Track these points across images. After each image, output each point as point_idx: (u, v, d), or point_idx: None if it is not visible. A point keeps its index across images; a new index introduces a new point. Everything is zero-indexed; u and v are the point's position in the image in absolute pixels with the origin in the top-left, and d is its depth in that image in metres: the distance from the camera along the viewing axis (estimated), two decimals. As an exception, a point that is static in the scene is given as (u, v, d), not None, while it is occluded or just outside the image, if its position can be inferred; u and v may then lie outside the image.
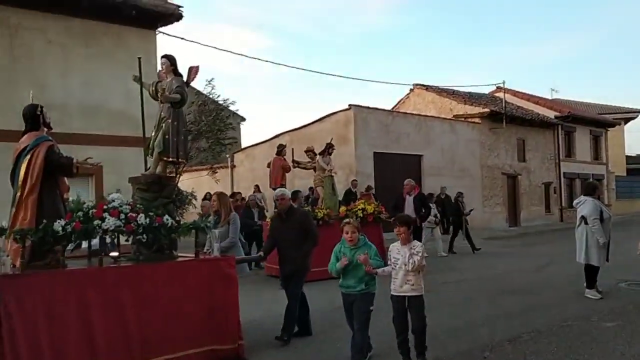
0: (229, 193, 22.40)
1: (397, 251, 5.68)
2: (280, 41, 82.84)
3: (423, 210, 13.38)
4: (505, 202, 26.79)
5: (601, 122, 34.97)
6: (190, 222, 6.32)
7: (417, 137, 22.47)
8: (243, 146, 28.16)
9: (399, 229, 5.61)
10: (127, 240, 6.00)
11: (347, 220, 6.01)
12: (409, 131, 22.17)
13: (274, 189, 12.71)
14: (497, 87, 30.82)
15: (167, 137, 6.35)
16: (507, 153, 27.25)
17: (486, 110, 26.00)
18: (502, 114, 26.18)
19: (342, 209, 12.55)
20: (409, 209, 12.72)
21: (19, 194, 5.43)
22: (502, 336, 6.83)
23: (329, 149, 13.06)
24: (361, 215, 12.13)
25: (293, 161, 13.48)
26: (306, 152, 13.36)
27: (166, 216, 5.85)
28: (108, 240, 6.27)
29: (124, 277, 5.53)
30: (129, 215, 5.49)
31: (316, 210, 11.96)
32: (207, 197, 11.59)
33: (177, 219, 6.29)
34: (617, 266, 12.12)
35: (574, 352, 6.10)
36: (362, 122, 20.27)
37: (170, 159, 6.44)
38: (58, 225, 5.17)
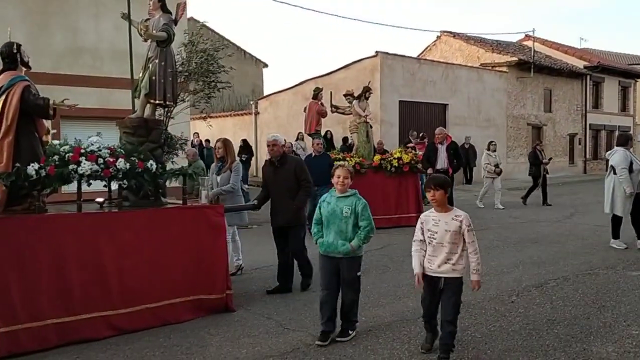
0: (252, 139, 22.79)
1: (434, 222, 4.54)
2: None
3: (456, 161, 12.55)
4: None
5: (631, 72, 34.13)
6: (177, 168, 6.10)
7: (443, 85, 22.24)
8: (266, 93, 28.13)
9: (433, 194, 4.50)
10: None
11: (340, 162, 5.50)
12: (435, 79, 21.93)
13: (310, 135, 12.60)
14: (526, 35, 30.15)
15: (153, 78, 6.04)
16: (534, 103, 26.89)
17: (514, 58, 25.52)
18: (530, 63, 25.69)
19: (377, 157, 12.00)
20: (441, 160, 12.21)
21: None
22: (529, 282, 7.01)
23: (365, 92, 12.45)
24: (396, 164, 11.72)
25: (332, 106, 12.84)
26: (345, 95, 12.61)
27: (150, 161, 5.63)
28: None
29: (101, 223, 5.30)
30: (107, 160, 5.27)
31: (347, 159, 11.36)
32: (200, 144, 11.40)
33: (164, 164, 6.10)
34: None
35: (600, 299, 6.26)
36: (388, 69, 20.09)
37: (157, 101, 6.15)
38: (32, 169, 4.95)
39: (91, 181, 5.29)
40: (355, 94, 12.47)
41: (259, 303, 6.36)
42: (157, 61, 6.05)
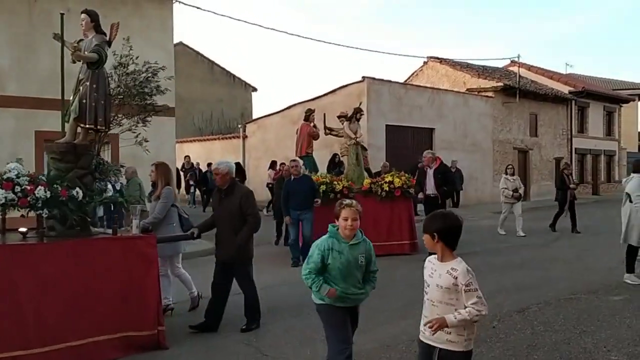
0: (240, 162, 22.77)
1: (431, 271, 3.61)
2: (295, 11, 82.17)
3: (445, 187, 11.56)
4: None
5: (615, 98, 34.64)
6: (106, 196, 5.85)
7: (430, 110, 22.43)
8: (255, 117, 28.24)
9: (428, 239, 3.57)
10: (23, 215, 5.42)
11: (347, 201, 4.29)
12: (421, 104, 22.12)
13: (301, 157, 12.11)
14: (512, 61, 30.55)
15: (84, 101, 5.73)
16: (519, 128, 27.15)
17: (500, 84, 25.83)
18: (515, 88, 26.00)
19: (367, 181, 11.54)
20: (430, 184, 11.32)
21: None
22: (511, 307, 7.02)
23: (356, 114, 12.07)
24: (387, 189, 11.23)
25: (325, 128, 12.48)
26: (339, 117, 12.17)
27: (76, 189, 5.37)
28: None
29: (16, 255, 4.96)
30: (25, 187, 5.00)
31: (335, 182, 11.13)
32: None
33: (93, 192, 5.81)
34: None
35: (581, 324, 6.27)
36: (375, 94, 20.25)
37: (87, 126, 5.79)
38: None
39: (18, 210, 5.08)
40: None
41: (238, 329, 6.28)
42: (87, 83, 5.77)
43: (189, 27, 65.24)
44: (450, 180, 11.81)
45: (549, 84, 31.00)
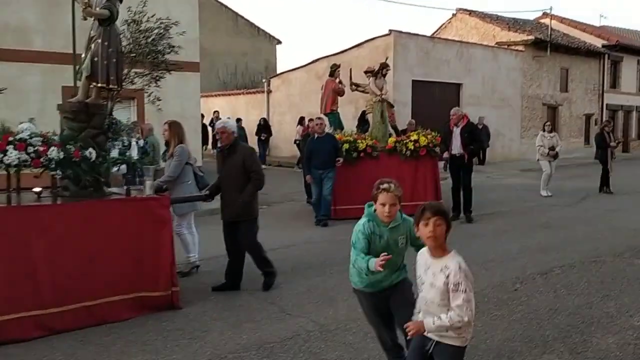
0: (265, 117, 22.71)
1: (425, 267, 3.30)
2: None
3: (472, 146, 10.81)
4: (545, 133, 26.33)
5: (651, 51, 33.45)
6: (118, 156, 5.77)
7: (458, 64, 21.98)
8: (279, 70, 28.02)
9: (433, 228, 3.16)
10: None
11: (384, 185, 3.83)
12: (449, 58, 21.67)
13: (325, 114, 12.01)
14: (544, 13, 29.62)
15: (95, 59, 5.61)
16: (549, 83, 26.51)
17: (530, 37, 25.11)
18: (547, 42, 25.28)
19: (391, 139, 11.13)
20: (457, 144, 10.57)
21: None
22: (534, 269, 6.99)
23: (382, 69, 11.62)
24: (412, 148, 10.88)
25: (352, 84, 12.04)
26: (365, 72, 11.69)
27: (89, 149, 5.31)
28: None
29: (30, 216, 4.98)
30: (37, 148, 4.96)
31: (358, 141, 10.84)
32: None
33: (106, 152, 5.76)
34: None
35: (604, 288, 6.23)
36: (401, 48, 19.88)
37: (100, 84, 5.69)
38: None
39: (31, 170, 5.05)
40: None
41: (205, 302, 6.09)
42: (99, 41, 5.62)
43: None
44: (477, 138, 11.20)
45: (582, 37, 30.03)
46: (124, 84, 7.21)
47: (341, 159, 10.29)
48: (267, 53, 32.66)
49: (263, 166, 7.18)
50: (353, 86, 12.03)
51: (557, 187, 14.44)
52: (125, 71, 9.31)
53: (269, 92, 24.83)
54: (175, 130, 7.04)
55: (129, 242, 5.40)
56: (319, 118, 10.66)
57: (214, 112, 22.40)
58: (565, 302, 5.80)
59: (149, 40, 11.23)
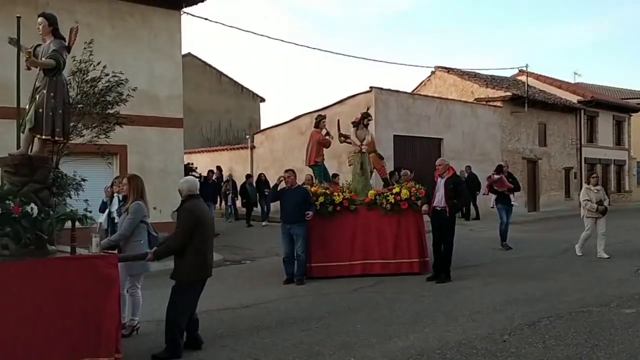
0: (247, 173, 22.72)
1: None
2: (301, 21, 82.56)
3: (456, 199, 9.98)
4: (525, 187, 26.60)
5: (624, 107, 34.41)
6: (64, 212, 5.44)
7: (438, 120, 22.36)
8: (263, 127, 28.26)
9: None
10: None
11: None
12: (429, 114, 22.05)
13: (310, 166, 11.78)
14: (520, 70, 30.47)
15: (40, 110, 5.44)
16: (528, 137, 27.01)
17: (508, 93, 25.73)
18: (524, 98, 25.89)
19: (371, 192, 10.57)
20: (439, 196, 9.80)
21: None
22: (521, 320, 6.91)
23: (363, 119, 11.28)
24: (393, 201, 10.25)
25: (340, 135, 11.69)
26: (353, 123, 11.39)
27: (31, 205, 5.06)
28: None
29: None
30: None
31: (335, 193, 10.33)
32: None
33: (50, 208, 5.51)
34: (636, 252, 12.17)
35: (593, 338, 6.16)
36: (382, 104, 20.22)
37: (44, 136, 5.47)
38: None
39: None
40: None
41: (246, 343, 6.23)
42: (44, 91, 5.47)
43: (197, 38, 65.60)
44: (462, 193, 10.32)
45: (558, 94, 30.87)
46: (71, 136, 6.97)
47: (311, 213, 9.63)
48: (251, 110, 33.04)
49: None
50: (341, 137, 11.73)
51: (540, 238, 14.48)
52: (73, 123, 9.02)
53: (253, 147, 24.97)
54: (134, 184, 6.66)
55: (72, 303, 5.07)
56: (290, 170, 10.18)
57: (217, 166, 21.93)
58: (554, 352, 5.71)
59: (96, 90, 10.79)
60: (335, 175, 13.25)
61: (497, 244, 13.76)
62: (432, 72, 28.67)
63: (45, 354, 4.94)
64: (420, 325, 6.83)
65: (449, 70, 28.17)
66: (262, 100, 33.99)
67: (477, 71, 29.10)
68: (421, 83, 29.12)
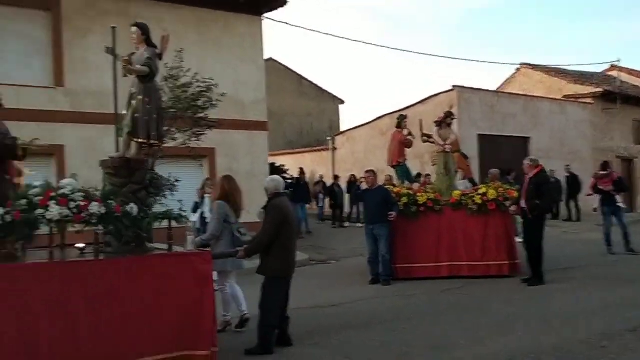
0: (330, 175, 22.82)
1: None
2: (381, 22, 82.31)
3: (539, 200, 9.22)
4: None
5: None
6: (161, 211, 5.68)
7: (524, 118, 21.69)
8: (343, 129, 28.41)
9: None
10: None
11: None
12: (515, 112, 21.44)
13: (392, 167, 11.72)
14: (612, 66, 28.96)
15: (136, 115, 5.72)
16: (622, 135, 25.65)
17: (599, 90, 24.54)
18: (616, 94, 24.63)
19: (456, 192, 10.31)
20: (524, 195, 9.42)
21: None
22: (622, 326, 6.54)
23: (446, 118, 11.13)
24: (479, 201, 9.94)
25: (423, 134, 11.58)
26: (435, 122, 11.28)
27: (130, 204, 5.27)
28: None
29: (71, 273, 4.95)
30: (79, 203, 4.90)
31: (418, 194, 10.20)
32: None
33: (148, 207, 5.72)
34: None
35: (703, 345, 5.76)
36: (465, 103, 19.84)
37: (141, 140, 5.75)
38: None
39: (73, 226, 5.00)
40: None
41: (335, 341, 6.27)
42: (140, 97, 5.75)
43: (278, 43, 66.84)
44: (545, 193, 9.39)
45: (654, 88, 29.12)
46: (165, 139, 7.24)
47: (394, 213, 9.56)
48: (331, 112, 33.26)
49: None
50: (424, 137, 11.54)
51: (638, 241, 13.63)
52: (166, 127, 9.32)
53: (334, 149, 25.15)
54: (220, 184, 6.91)
55: (172, 298, 5.29)
56: (370, 170, 10.25)
57: (299, 168, 21.80)
58: (660, 360, 5.38)
59: (187, 95, 11.28)
60: (419, 175, 13.13)
61: (592, 246, 13.12)
62: (517, 70, 27.79)
63: (149, 348, 5.13)
64: (512, 329, 6.62)
65: (534, 67, 27.21)
66: (342, 102, 34.15)
67: (565, 67, 27.93)
68: (505, 81, 28.29)
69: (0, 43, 12.59)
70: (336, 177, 20.77)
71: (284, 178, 19.11)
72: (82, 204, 4.89)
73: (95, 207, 4.93)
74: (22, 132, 5.44)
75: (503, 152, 20.39)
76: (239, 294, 6.83)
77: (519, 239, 10.47)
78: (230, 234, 6.74)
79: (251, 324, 6.51)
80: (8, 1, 12.50)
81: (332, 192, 20.17)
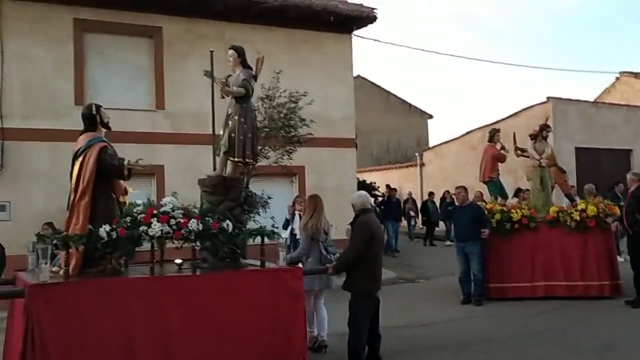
0: (418, 191, 22.54)
1: None
2: (472, 33, 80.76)
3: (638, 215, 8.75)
4: None
5: None
6: (255, 228, 5.83)
7: (626, 129, 20.57)
8: (431, 144, 28.08)
9: None
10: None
11: None
12: (616, 123, 20.39)
13: (485, 182, 11.48)
14: None
15: (232, 135, 5.88)
16: None
17: None
18: None
19: (553, 209, 9.90)
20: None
21: (72, 197, 5.31)
22: None
23: (542, 131, 10.77)
24: (578, 218, 9.51)
25: (516, 148, 11.15)
26: (530, 135, 10.98)
27: (226, 221, 5.44)
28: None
29: (169, 287, 5.15)
30: (179, 220, 5.11)
31: (512, 210, 9.89)
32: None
33: (242, 224, 5.84)
34: None
35: None
36: (561, 114, 19.11)
37: (237, 159, 5.94)
38: (103, 230, 4.91)
39: (173, 242, 5.20)
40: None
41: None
42: (236, 117, 5.93)
43: (366, 59, 67.06)
44: None
45: None
46: (259, 158, 7.46)
47: (487, 230, 9.32)
48: (419, 128, 32.96)
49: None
50: (518, 151, 11.13)
51: None
52: (260, 146, 9.59)
53: (422, 165, 24.89)
54: (307, 203, 7.04)
55: (263, 314, 5.40)
56: (461, 187, 10.09)
57: (386, 185, 21.42)
58: None
59: (282, 115, 11.61)
60: (520, 190, 12.76)
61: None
62: (617, 78, 26.43)
63: None
64: (614, 354, 6.30)
65: (636, 74, 25.76)
66: (430, 117, 33.77)
67: (671, 74, 26.22)
68: (604, 91, 26.96)
69: (107, 70, 13.47)
70: (430, 194, 20.20)
71: (375, 195, 19.12)
72: (182, 221, 5.10)
73: (193, 224, 5.12)
74: (126, 153, 5.83)
75: (603, 166, 19.44)
76: (324, 317, 6.79)
77: (620, 258, 9.89)
78: (318, 252, 6.76)
79: (337, 342, 6.57)
80: (114, 30, 13.37)
81: (425, 208, 19.61)
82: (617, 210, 9.50)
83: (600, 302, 9.13)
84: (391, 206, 17.30)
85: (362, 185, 18.89)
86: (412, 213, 19.92)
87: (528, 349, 6.61)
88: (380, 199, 18.79)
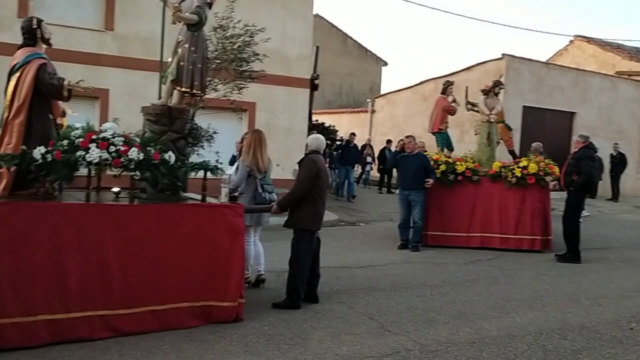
0: (366, 137, 22.59)
1: None
2: (430, -17, 79.95)
3: (575, 175, 9.13)
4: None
5: None
6: (198, 162, 5.62)
7: (573, 92, 21.05)
8: (383, 91, 28.09)
9: None
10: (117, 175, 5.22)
11: None
12: (564, 86, 20.82)
13: (433, 133, 11.55)
14: (671, 43, 27.76)
15: (181, 64, 5.67)
16: (674, 117, 24.70)
17: (655, 67, 23.59)
18: (673, 73, 23.63)
19: (496, 164, 10.20)
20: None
21: (5, 115, 4.98)
22: (653, 310, 6.49)
23: (494, 87, 11.03)
24: (519, 174, 9.87)
25: (467, 102, 11.39)
26: (482, 91, 11.18)
27: (169, 153, 5.27)
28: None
29: (105, 215, 4.95)
30: (119, 148, 4.89)
31: (457, 163, 10.15)
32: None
33: (186, 156, 5.73)
34: None
35: None
36: (514, 72, 19.34)
37: (184, 89, 5.72)
38: (37, 152, 4.66)
39: (111, 169, 5.04)
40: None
41: (361, 302, 6.38)
42: (186, 46, 5.70)
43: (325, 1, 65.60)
44: (582, 168, 9.09)
45: None
46: (207, 90, 7.21)
47: (431, 180, 9.56)
48: (373, 74, 32.86)
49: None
50: (469, 105, 11.42)
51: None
52: (209, 78, 9.27)
53: (373, 111, 24.95)
54: (249, 138, 6.85)
55: (202, 248, 5.34)
56: (411, 136, 10.19)
57: (351, 134, 20.97)
58: (689, 347, 5.32)
59: (235, 46, 11.14)
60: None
61: (628, 228, 12.88)
62: (570, 42, 26.86)
63: (175, 295, 5.22)
64: (540, 304, 6.62)
65: (589, 39, 26.25)
66: (385, 64, 33.66)
67: (621, 42, 26.86)
68: (557, 52, 27.40)
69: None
70: (388, 142, 20.17)
71: (334, 139, 18.99)
72: (122, 149, 4.91)
73: (134, 153, 4.95)
74: (69, 73, 5.50)
75: (546, 126, 19.96)
76: (260, 252, 6.78)
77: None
78: (253, 189, 6.64)
79: (276, 278, 6.68)
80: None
81: (382, 155, 19.26)
82: (557, 170, 9.84)
83: (532, 254, 9.58)
84: (349, 151, 17.17)
85: (321, 127, 18.78)
86: (369, 159, 19.90)
87: (459, 295, 6.87)
88: (338, 142, 18.65)
